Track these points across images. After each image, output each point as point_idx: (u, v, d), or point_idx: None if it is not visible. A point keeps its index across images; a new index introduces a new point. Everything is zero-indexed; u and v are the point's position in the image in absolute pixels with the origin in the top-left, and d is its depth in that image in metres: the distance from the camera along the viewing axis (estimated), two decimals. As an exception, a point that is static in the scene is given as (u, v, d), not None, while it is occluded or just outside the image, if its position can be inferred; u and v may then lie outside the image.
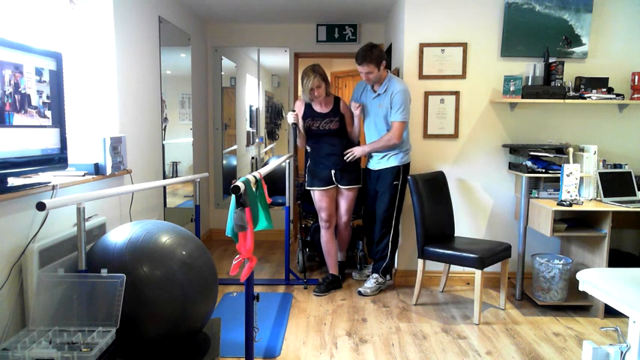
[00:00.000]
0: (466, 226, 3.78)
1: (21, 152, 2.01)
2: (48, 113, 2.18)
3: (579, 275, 1.94)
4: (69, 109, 2.43)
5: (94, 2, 2.89)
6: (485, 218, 3.80)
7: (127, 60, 3.16)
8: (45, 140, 2.17)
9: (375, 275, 3.58)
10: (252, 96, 5.34)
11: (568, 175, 3.24)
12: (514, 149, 3.60)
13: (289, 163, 3.87)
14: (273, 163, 3.30)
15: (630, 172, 3.37)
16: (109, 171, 2.72)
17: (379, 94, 3.42)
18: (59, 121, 2.25)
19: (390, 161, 3.46)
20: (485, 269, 3.08)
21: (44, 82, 2.14)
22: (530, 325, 3.08)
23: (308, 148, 3.65)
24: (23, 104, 2.02)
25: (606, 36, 3.59)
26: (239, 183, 1.99)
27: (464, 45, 3.64)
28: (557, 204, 3.18)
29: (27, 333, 1.95)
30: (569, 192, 3.24)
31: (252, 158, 5.49)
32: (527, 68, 3.56)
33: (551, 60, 3.50)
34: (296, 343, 2.79)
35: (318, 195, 3.57)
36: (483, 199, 3.78)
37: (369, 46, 3.30)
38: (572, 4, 3.52)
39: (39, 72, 2.11)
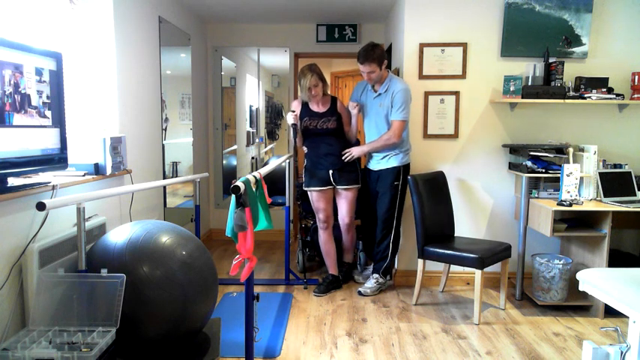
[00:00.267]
0: (466, 226, 3.78)
1: (21, 152, 2.01)
2: (48, 113, 2.18)
3: (579, 275, 1.94)
4: (69, 109, 2.43)
5: (94, 2, 2.89)
6: (485, 218, 3.80)
7: (127, 60, 3.16)
8: (45, 140, 2.17)
9: (376, 275, 3.58)
10: (252, 96, 5.34)
11: (568, 175, 3.24)
12: (514, 149, 3.60)
13: (289, 163, 3.87)
14: (273, 163, 3.30)
15: (630, 172, 3.37)
16: (109, 171, 2.72)
17: (380, 94, 3.42)
18: (59, 121, 2.25)
19: (390, 162, 3.46)
20: (486, 269, 3.08)
21: (44, 82, 2.14)
22: (530, 325, 3.08)
23: (305, 149, 3.65)
24: (23, 104, 2.02)
25: (606, 36, 3.59)
26: (239, 183, 1.99)
27: (464, 45, 3.64)
28: (557, 204, 3.18)
29: (27, 333, 1.95)
30: (569, 192, 3.24)
31: (252, 158, 5.49)
32: (527, 68, 3.56)
33: (551, 60, 3.50)
34: (296, 343, 2.79)
35: (315, 196, 3.57)
36: (483, 199, 3.78)
37: (371, 46, 3.31)
38: (572, 4, 3.52)
39: (39, 72, 2.11)
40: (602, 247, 3.14)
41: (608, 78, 3.49)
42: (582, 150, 3.42)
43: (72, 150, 2.50)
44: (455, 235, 3.58)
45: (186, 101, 4.45)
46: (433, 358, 2.63)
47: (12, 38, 2.04)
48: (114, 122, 3.02)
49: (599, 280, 1.84)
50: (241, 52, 5.22)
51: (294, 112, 3.51)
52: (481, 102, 3.69)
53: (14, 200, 2.04)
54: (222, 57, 5.12)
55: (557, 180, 3.36)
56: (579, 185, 3.33)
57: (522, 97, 3.44)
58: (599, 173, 3.31)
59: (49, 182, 2.23)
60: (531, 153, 3.35)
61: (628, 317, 1.75)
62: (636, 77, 3.46)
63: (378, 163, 3.52)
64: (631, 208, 3.08)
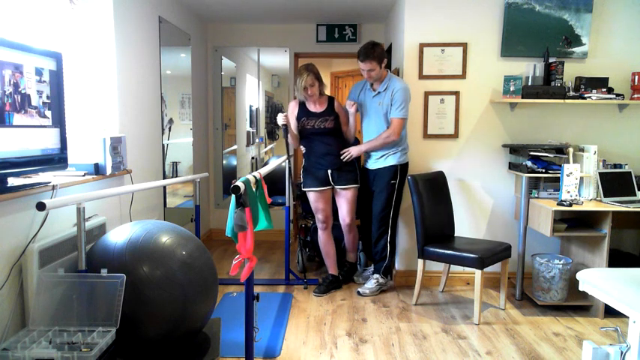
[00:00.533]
0: (466, 226, 3.78)
1: (21, 152, 2.01)
2: (48, 113, 2.18)
3: (579, 275, 1.94)
4: (69, 109, 2.43)
5: (94, 2, 2.89)
6: (485, 218, 3.80)
7: (127, 60, 3.16)
8: (45, 140, 2.17)
9: (376, 276, 3.58)
10: (252, 96, 5.34)
11: (568, 175, 3.24)
12: (514, 149, 3.60)
13: (287, 163, 3.87)
14: (273, 163, 3.30)
15: (630, 172, 3.37)
16: (109, 171, 2.72)
17: (379, 92, 3.42)
18: (59, 121, 2.25)
19: (388, 160, 3.46)
20: (486, 269, 3.08)
21: (44, 82, 2.14)
22: (530, 325, 3.08)
23: (303, 149, 3.65)
24: (23, 104, 2.02)
25: (606, 36, 3.59)
26: (239, 183, 1.99)
27: (464, 45, 3.64)
28: (557, 204, 3.18)
29: (27, 333, 1.95)
30: (569, 192, 3.24)
31: (252, 158, 5.49)
32: (527, 68, 3.57)
33: (551, 60, 3.50)
34: (296, 343, 2.79)
35: (314, 196, 3.57)
36: (483, 199, 3.78)
37: (372, 44, 3.32)
38: (572, 4, 3.52)
39: (39, 72, 2.11)
40: (602, 247, 3.14)
41: (608, 78, 3.49)
42: (582, 150, 3.42)
43: (72, 150, 2.49)
44: (455, 235, 3.58)
45: (186, 101, 4.45)
46: (433, 358, 2.63)
47: (12, 38, 2.04)
48: (114, 122, 3.02)
49: (599, 280, 1.84)
50: (241, 52, 5.22)
51: (283, 112, 3.52)
52: (481, 102, 3.69)
53: (14, 200, 2.04)
54: (222, 57, 5.12)
55: (557, 180, 3.36)
56: (579, 185, 3.33)
57: (522, 97, 3.44)
58: (599, 173, 3.31)
59: (49, 182, 2.23)
60: (531, 153, 3.35)
61: (628, 317, 1.75)
62: (636, 77, 3.46)
63: (375, 162, 3.52)
64: (631, 208, 3.08)
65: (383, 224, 3.51)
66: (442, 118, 3.71)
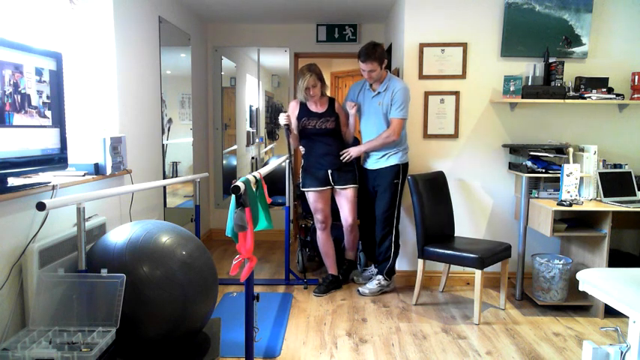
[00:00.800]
0: (466, 226, 3.78)
1: (21, 152, 2.01)
2: (48, 113, 2.18)
3: (579, 275, 1.94)
4: (69, 109, 2.43)
5: (94, 2, 2.89)
6: (485, 218, 3.80)
7: (127, 60, 3.16)
8: (45, 140, 2.17)
9: (379, 277, 3.57)
10: (252, 96, 5.34)
11: (568, 175, 3.24)
12: (514, 149, 3.60)
13: (288, 163, 3.87)
14: (273, 163, 3.30)
15: (630, 172, 3.37)
16: (109, 171, 2.72)
17: (379, 93, 3.42)
18: (59, 121, 2.25)
19: (390, 160, 3.46)
20: (486, 269, 3.08)
21: (44, 82, 2.14)
22: (530, 325, 3.08)
23: (302, 149, 3.65)
24: (23, 104, 2.02)
25: (606, 36, 3.59)
26: (239, 183, 1.99)
27: (464, 45, 3.64)
28: (557, 204, 3.18)
29: (27, 333, 1.95)
30: (569, 192, 3.24)
31: (252, 158, 5.49)
32: (527, 68, 3.57)
33: (551, 60, 3.50)
34: (296, 343, 2.79)
35: (313, 196, 3.57)
36: (483, 199, 3.78)
37: (372, 45, 3.32)
38: (572, 4, 3.52)
39: (39, 72, 2.11)
40: (602, 247, 3.14)
41: (608, 78, 3.49)
42: (582, 150, 3.42)
43: (72, 150, 2.50)
44: (455, 235, 3.58)
45: (186, 101, 4.45)
46: (433, 358, 2.63)
47: (12, 38, 2.04)
48: (114, 122, 3.02)
49: (599, 280, 1.84)
50: (241, 52, 5.22)
51: (285, 112, 3.52)
52: (481, 102, 3.69)
53: (14, 200, 2.04)
54: (222, 57, 5.12)
55: (557, 180, 3.36)
56: (579, 185, 3.33)
57: (522, 97, 3.44)
58: (599, 173, 3.31)
59: (49, 182, 2.23)
60: (531, 153, 3.36)
61: (628, 317, 1.75)
62: (636, 77, 3.46)
63: (376, 162, 3.52)
64: (631, 208, 3.08)
65: (387, 225, 3.51)
66: (442, 118, 3.71)
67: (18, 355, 1.80)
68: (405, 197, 3.58)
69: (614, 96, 3.42)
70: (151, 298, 2.10)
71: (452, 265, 3.61)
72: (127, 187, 2.91)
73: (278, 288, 3.71)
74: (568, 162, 3.34)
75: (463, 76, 3.66)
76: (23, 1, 2.39)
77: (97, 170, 2.67)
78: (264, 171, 2.53)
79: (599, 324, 3.11)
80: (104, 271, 2.07)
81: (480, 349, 2.73)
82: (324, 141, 3.51)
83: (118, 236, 2.25)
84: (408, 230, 3.78)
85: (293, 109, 3.57)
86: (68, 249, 2.31)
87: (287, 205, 3.90)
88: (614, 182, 3.32)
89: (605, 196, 3.27)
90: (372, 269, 3.78)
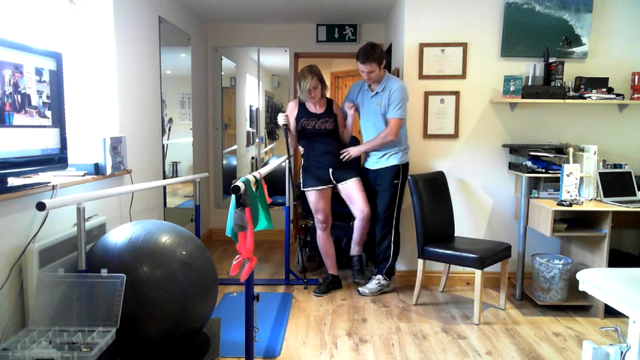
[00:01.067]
0: (466, 226, 3.78)
1: (21, 152, 2.01)
2: (48, 113, 2.18)
3: (579, 275, 1.94)
4: (69, 109, 2.43)
5: (94, 2, 2.89)
6: (485, 218, 3.80)
7: (127, 60, 3.16)
8: (45, 140, 2.17)
9: (379, 277, 3.57)
10: (252, 96, 5.34)
11: (568, 175, 3.24)
12: (514, 149, 3.60)
13: (288, 163, 3.87)
14: (273, 163, 3.30)
15: (630, 172, 3.37)
16: (109, 171, 2.72)
17: (377, 93, 3.43)
18: (59, 121, 2.25)
19: (390, 160, 3.46)
20: (486, 269, 3.07)
21: (44, 82, 2.14)
22: (530, 325, 3.08)
23: (302, 149, 3.65)
24: (23, 104, 2.02)
25: (606, 36, 3.59)
26: (239, 183, 1.99)
27: (464, 45, 3.64)
28: (557, 204, 3.18)
29: (27, 333, 1.95)
30: (569, 192, 3.24)
31: (252, 158, 5.49)
32: (527, 68, 3.57)
33: (551, 60, 3.50)
34: (296, 343, 2.79)
35: (314, 196, 3.56)
36: (483, 199, 3.78)
37: (371, 45, 3.32)
38: (572, 4, 3.52)
39: (39, 72, 2.11)
40: (602, 247, 3.14)
41: (608, 78, 3.49)
42: (582, 150, 3.42)
43: (72, 150, 2.49)
44: (455, 235, 3.58)
45: (186, 101, 4.45)
46: (433, 358, 2.63)
47: (12, 38, 2.04)
48: (114, 122, 3.02)
49: (599, 280, 1.84)
50: (241, 52, 5.22)
51: (284, 112, 3.52)
52: (481, 102, 3.69)
53: (14, 200, 2.04)
54: (222, 57, 5.12)
55: (557, 180, 3.36)
56: (579, 185, 3.33)
57: (522, 97, 3.44)
58: (599, 173, 3.31)
59: (49, 182, 2.23)
60: (531, 153, 3.36)
61: (628, 317, 1.75)
62: (636, 77, 3.46)
63: (377, 162, 3.52)
64: (631, 208, 3.08)
65: (387, 224, 3.51)
66: (442, 118, 3.71)
67: (18, 355, 1.80)
68: (405, 197, 3.58)
69: (614, 96, 3.42)
70: (151, 298, 2.10)
71: (452, 265, 3.61)
72: (127, 187, 2.91)
73: (278, 288, 3.71)
74: (568, 162, 3.34)
75: (463, 76, 3.66)
76: (23, 1, 2.39)
77: (97, 170, 2.67)
78: (264, 171, 2.53)
79: (599, 324, 3.11)
80: (104, 271, 2.07)
81: (480, 349, 2.73)
82: (323, 141, 3.52)
83: (118, 236, 2.25)
84: (408, 230, 3.77)
85: (292, 109, 3.57)
86: (68, 249, 2.31)
87: (287, 205, 3.90)
88: (614, 182, 3.32)
89: (605, 196, 3.27)
90: (374, 269, 3.77)
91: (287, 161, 3.73)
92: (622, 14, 3.57)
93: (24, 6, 2.40)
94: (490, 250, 3.14)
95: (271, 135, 5.53)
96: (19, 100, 1.99)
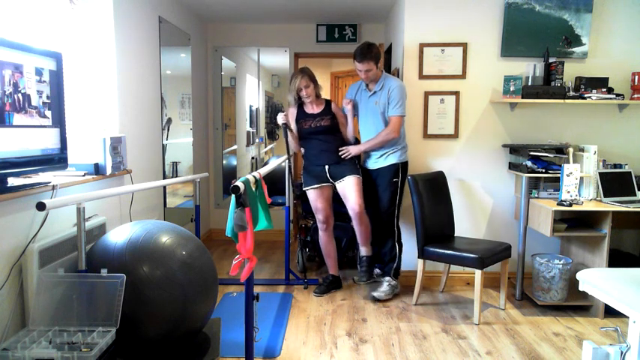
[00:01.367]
0: (466, 226, 3.78)
1: (21, 152, 2.01)
2: (48, 113, 2.18)
3: (579, 275, 1.94)
4: (69, 109, 2.43)
5: (94, 2, 2.89)
6: (485, 218, 3.80)
7: (127, 60, 3.16)
8: (45, 140, 2.17)
9: (388, 278, 3.55)
10: (252, 96, 5.34)
11: (568, 175, 3.24)
12: (514, 149, 3.60)
13: (287, 163, 3.87)
14: (273, 163, 3.30)
15: (630, 172, 3.37)
16: (109, 171, 2.72)
17: (375, 92, 3.43)
18: (59, 121, 2.25)
19: (389, 159, 3.46)
20: (486, 269, 3.08)
21: (44, 82, 2.14)
22: (530, 325, 3.08)
23: (303, 150, 3.66)
24: (23, 104, 2.02)
25: (606, 36, 3.59)
26: (239, 183, 1.99)
27: (464, 45, 3.64)
28: (557, 204, 3.18)
29: (27, 333, 1.95)
30: (569, 192, 3.24)
31: (252, 158, 5.49)
32: (527, 68, 3.56)
33: (551, 60, 3.50)
34: (296, 343, 2.79)
35: (313, 194, 3.56)
36: (483, 199, 3.78)
37: (367, 45, 3.33)
38: (572, 4, 3.52)
39: (39, 72, 2.11)
40: (602, 247, 3.14)
41: (608, 78, 3.49)
42: (582, 150, 3.42)
43: (72, 150, 2.49)
44: (455, 235, 3.58)
45: (186, 101, 4.45)
46: (433, 358, 2.63)
47: (12, 38, 2.04)
48: (114, 122, 3.02)
49: (599, 280, 1.84)
50: (241, 52, 5.22)
51: (283, 112, 3.54)
52: (481, 102, 3.69)
53: (14, 200, 2.04)
54: (222, 57, 5.12)
55: (557, 180, 3.36)
56: (579, 185, 3.33)
57: (522, 97, 3.44)
58: (599, 173, 3.31)
59: (49, 182, 2.23)
60: (531, 153, 3.35)
61: (628, 317, 1.75)
62: (636, 77, 3.46)
63: (376, 162, 3.52)
64: (631, 208, 3.08)
65: (388, 224, 3.50)
66: (442, 118, 3.71)
67: (18, 355, 1.80)
68: (405, 197, 3.58)
69: (614, 96, 3.42)
70: (151, 298, 2.10)
71: (452, 265, 3.61)
72: (127, 187, 2.91)
73: (278, 288, 3.71)
74: (568, 162, 3.34)
75: (463, 76, 3.66)
76: (23, 1, 2.39)
77: (97, 170, 2.67)
78: (263, 171, 2.52)
79: (599, 324, 3.11)
80: (104, 271, 2.07)
81: (480, 349, 2.73)
82: (320, 138, 3.52)
83: (118, 236, 2.25)
84: (408, 230, 3.77)
85: (292, 113, 3.60)
86: (68, 249, 2.31)
87: (287, 205, 3.90)
88: (614, 182, 3.32)
89: (605, 196, 3.27)
90: (377, 270, 3.75)
91: (287, 161, 3.73)
92: (622, 14, 3.57)
93: (24, 6, 2.40)
94: (490, 250, 3.14)
95: (271, 135, 5.53)
96: (19, 100, 1.99)
